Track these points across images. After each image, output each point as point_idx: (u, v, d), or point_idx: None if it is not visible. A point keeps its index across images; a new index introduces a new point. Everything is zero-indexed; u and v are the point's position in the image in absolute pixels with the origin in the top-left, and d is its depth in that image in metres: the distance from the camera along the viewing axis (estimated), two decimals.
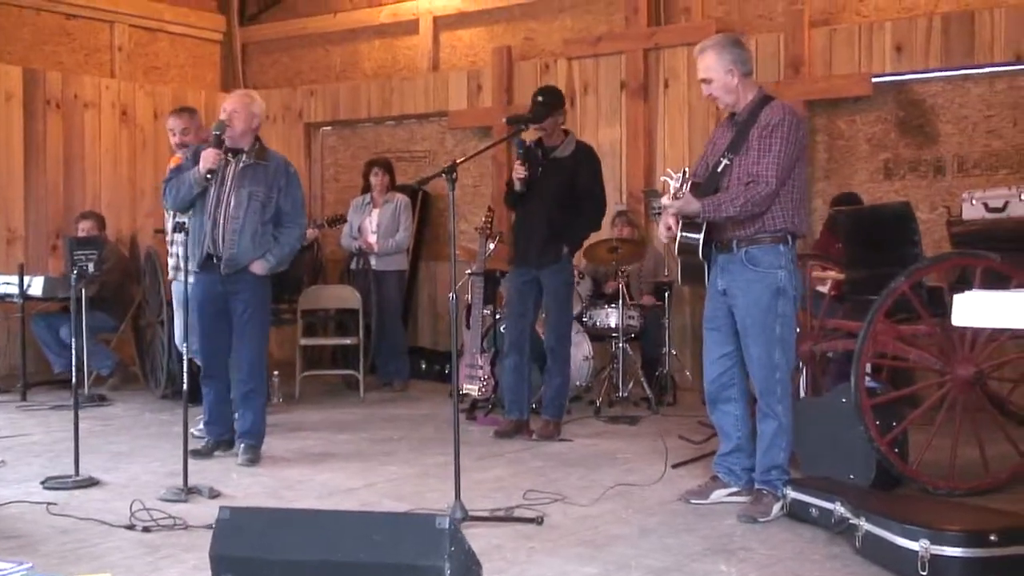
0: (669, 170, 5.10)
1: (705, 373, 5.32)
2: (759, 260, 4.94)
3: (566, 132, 6.89)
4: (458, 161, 5.11)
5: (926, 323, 5.40)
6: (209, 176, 5.92)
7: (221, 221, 6.00)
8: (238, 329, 6.14)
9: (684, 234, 5.02)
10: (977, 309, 2.43)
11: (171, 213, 7.08)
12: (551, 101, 6.67)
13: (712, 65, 5.02)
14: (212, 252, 6.01)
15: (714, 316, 5.17)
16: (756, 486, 5.05)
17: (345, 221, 9.16)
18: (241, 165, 6.06)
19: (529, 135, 6.77)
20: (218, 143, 5.94)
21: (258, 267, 6.08)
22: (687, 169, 5.01)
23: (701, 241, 4.99)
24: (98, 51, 10.83)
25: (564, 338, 6.93)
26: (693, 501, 5.18)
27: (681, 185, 4.89)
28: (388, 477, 5.82)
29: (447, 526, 3.07)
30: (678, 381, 8.44)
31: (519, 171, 6.64)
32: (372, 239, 9.07)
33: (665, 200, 4.97)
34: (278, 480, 5.72)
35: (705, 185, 5.03)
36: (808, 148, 8.44)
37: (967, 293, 2.48)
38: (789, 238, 4.96)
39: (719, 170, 5.01)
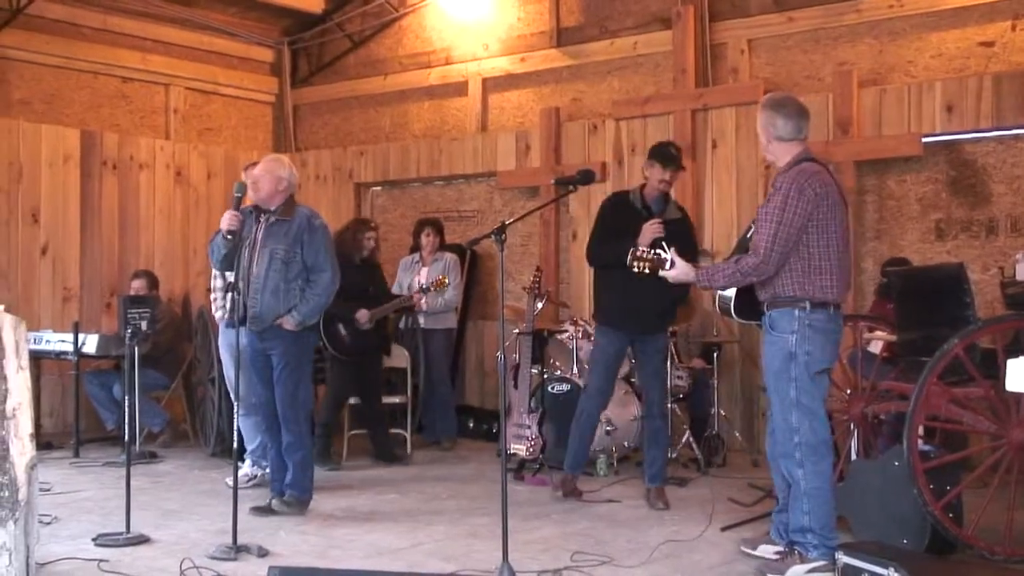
0: (664, 243, 5.25)
1: (767, 428, 5.36)
2: (776, 324, 5.03)
3: (667, 196, 6.74)
4: (507, 222, 5.16)
5: (980, 386, 5.32)
6: (229, 236, 6.03)
7: (250, 280, 6.14)
8: (275, 384, 6.25)
9: (720, 294, 5.25)
10: None
11: (215, 273, 7.27)
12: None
13: (757, 122, 5.19)
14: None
15: None
16: (780, 546, 5.12)
17: (447, 285, 8.86)
18: (267, 224, 6.22)
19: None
20: (236, 204, 6.08)
21: (287, 323, 6.18)
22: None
23: (732, 302, 5.19)
24: (154, 113, 11.06)
25: (666, 405, 7.01)
26: (743, 548, 5.33)
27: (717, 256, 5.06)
28: (435, 537, 5.80)
29: None
30: (727, 442, 8.36)
31: (660, 230, 6.28)
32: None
33: (662, 271, 5.07)
34: (326, 539, 5.72)
35: (737, 248, 5.25)
36: (856, 209, 8.42)
37: (1022, 358, 2.46)
38: (807, 304, 4.94)
39: (748, 236, 5.17)
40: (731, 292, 5.13)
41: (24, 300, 9.59)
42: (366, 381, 8.29)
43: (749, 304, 5.16)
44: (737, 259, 5.00)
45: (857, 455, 6.36)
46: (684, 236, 6.45)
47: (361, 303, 8.05)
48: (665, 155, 6.56)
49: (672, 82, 9.44)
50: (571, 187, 5.72)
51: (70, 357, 8.57)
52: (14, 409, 4.82)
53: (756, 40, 9.19)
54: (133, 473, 6.54)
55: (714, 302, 5.54)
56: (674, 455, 7.91)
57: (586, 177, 5.71)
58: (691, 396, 8.28)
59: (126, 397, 5.86)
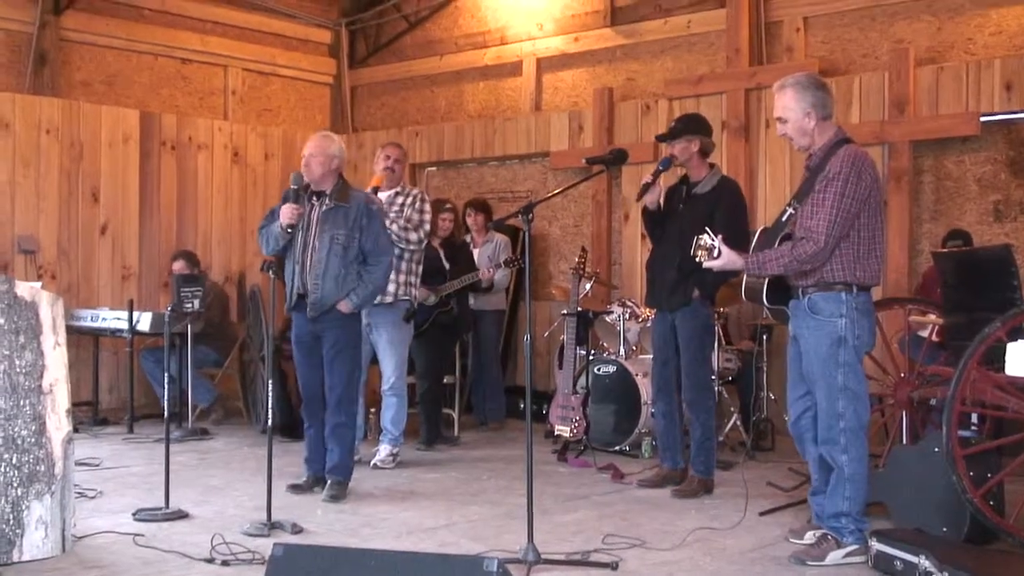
0: (708, 229, 5.00)
1: (790, 413, 5.30)
2: (820, 308, 4.90)
3: (711, 166, 6.49)
4: (534, 201, 5.13)
5: None
6: (290, 230, 6.06)
7: (308, 265, 6.13)
8: (326, 366, 6.23)
9: (749, 279, 5.12)
10: None
11: None
12: (685, 128, 6.39)
13: (790, 105, 4.97)
14: (302, 293, 6.15)
15: (794, 358, 5.18)
16: (824, 530, 4.99)
17: (517, 263, 8.55)
18: (323, 208, 6.18)
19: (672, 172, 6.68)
20: (295, 197, 6.06)
21: (343, 306, 6.15)
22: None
23: (765, 286, 5.06)
24: (212, 94, 11.19)
25: (701, 387, 6.52)
26: (790, 539, 5.24)
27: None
28: (470, 517, 5.81)
29: (494, 569, 3.05)
30: (777, 426, 8.25)
31: (648, 180, 6.25)
32: None
33: (706, 261, 4.88)
34: (361, 517, 5.75)
35: (771, 233, 5.06)
36: (913, 189, 8.25)
37: (1022, 341, 2.38)
38: (854, 287, 4.87)
39: (784, 219, 5.04)
40: (764, 279, 5.05)
41: (84, 278, 9.79)
42: (432, 358, 8.22)
43: (780, 289, 5.06)
44: (792, 246, 4.84)
45: (904, 441, 6.25)
46: (705, 208, 6.22)
47: (435, 282, 8.03)
48: (662, 135, 6.57)
49: (726, 61, 9.32)
50: (605, 168, 5.69)
51: (125, 335, 8.72)
52: (51, 385, 4.92)
53: (812, 18, 9.02)
54: (183, 450, 6.68)
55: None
56: (721, 438, 7.83)
57: (618, 157, 5.66)
58: (740, 379, 8.18)
59: (166, 373, 5.94)
